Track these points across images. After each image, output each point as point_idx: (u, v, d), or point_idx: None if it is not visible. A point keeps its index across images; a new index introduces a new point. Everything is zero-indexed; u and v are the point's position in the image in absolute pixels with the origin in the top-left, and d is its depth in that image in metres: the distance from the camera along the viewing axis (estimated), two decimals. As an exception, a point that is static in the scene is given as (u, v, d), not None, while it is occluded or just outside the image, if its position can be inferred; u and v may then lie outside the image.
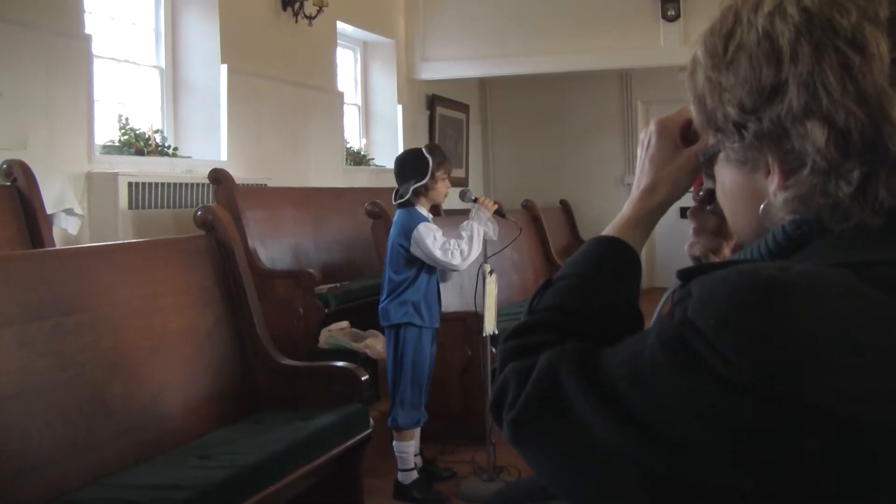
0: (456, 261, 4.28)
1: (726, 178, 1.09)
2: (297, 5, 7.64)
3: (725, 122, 1.02)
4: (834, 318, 0.82)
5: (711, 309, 0.84)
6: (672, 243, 11.78)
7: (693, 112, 1.12)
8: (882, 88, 0.90)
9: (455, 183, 4.54)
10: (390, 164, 9.22)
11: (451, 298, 4.60)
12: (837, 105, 0.91)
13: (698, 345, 0.83)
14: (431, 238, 4.24)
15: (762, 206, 1.02)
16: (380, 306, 4.45)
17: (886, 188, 0.92)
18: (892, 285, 0.85)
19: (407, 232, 4.30)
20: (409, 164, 4.40)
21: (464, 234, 4.34)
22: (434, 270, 4.39)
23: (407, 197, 4.36)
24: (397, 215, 4.43)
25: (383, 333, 4.64)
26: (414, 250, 4.29)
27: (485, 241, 4.43)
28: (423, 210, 4.39)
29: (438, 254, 4.24)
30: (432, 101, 10.44)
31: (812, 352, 0.80)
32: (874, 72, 0.90)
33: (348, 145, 9.10)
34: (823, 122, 0.92)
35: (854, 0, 0.92)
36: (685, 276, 0.93)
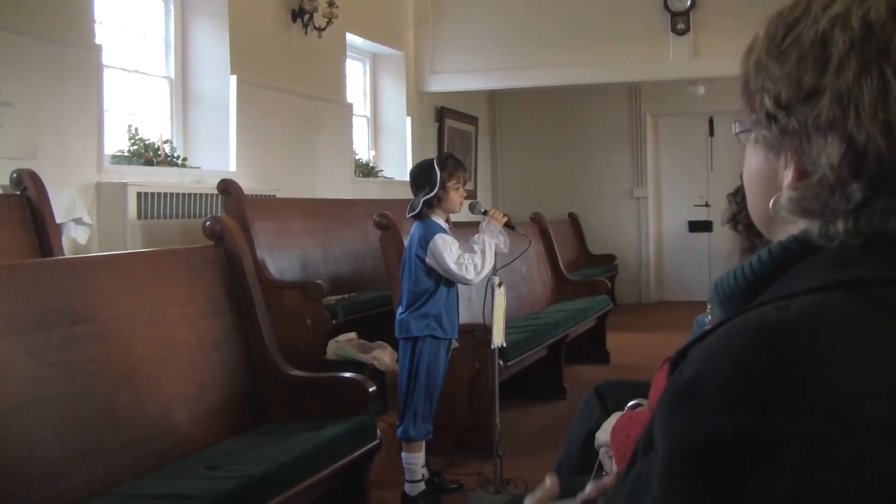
0: (470, 275, 4.27)
1: (752, 160, 1.10)
2: (306, 17, 7.66)
3: (761, 108, 1.02)
4: (843, 352, 0.83)
5: (726, 363, 0.84)
6: (680, 257, 11.74)
7: (739, 85, 1.13)
8: None
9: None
10: (399, 176, 9.31)
11: (460, 311, 4.60)
12: (862, 128, 0.91)
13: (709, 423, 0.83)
14: (448, 250, 4.24)
15: (772, 200, 1.03)
16: (397, 318, 4.43)
17: (881, 215, 0.93)
18: (884, 303, 0.87)
19: (423, 243, 4.30)
20: (420, 176, 4.40)
21: (476, 248, 4.33)
22: (453, 282, 4.39)
23: (418, 209, 4.35)
24: (413, 227, 4.42)
25: (394, 345, 4.63)
26: (429, 260, 4.28)
27: (508, 242, 4.43)
28: (439, 220, 4.39)
29: (453, 267, 4.24)
30: (441, 114, 10.46)
31: (826, 388, 0.81)
32: None
33: (357, 157, 9.11)
34: (843, 140, 0.92)
35: None
36: (678, 357, 0.94)
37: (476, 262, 4.28)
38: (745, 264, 1.03)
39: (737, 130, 1.16)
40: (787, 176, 1.00)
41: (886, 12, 0.93)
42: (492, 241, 4.35)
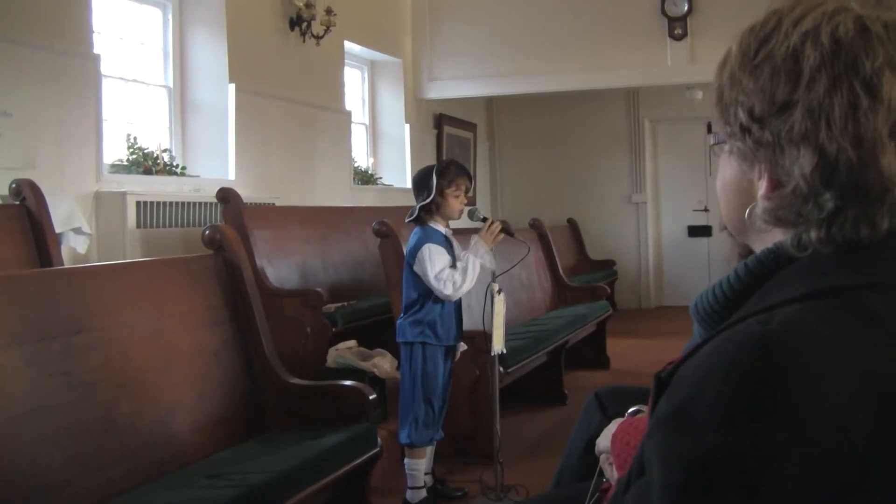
0: (447, 290, 4.28)
1: (727, 170, 1.13)
2: (304, 25, 7.67)
3: (735, 120, 1.05)
4: (828, 359, 0.85)
5: (717, 379, 0.86)
6: (679, 262, 11.74)
7: (714, 98, 1.15)
8: (880, 135, 0.94)
9: (463, 202, 4.55)
10: (398, 184, 9.32)
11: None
12: (833, 140, 0.94)
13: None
14: (430, 263, 4.26)
15: (748, 210, 1.06)
16: (397, 322, 4.46)
17: (852, 224, 0.96)
18: (861, 308, 0.89)
19: (414, 251, 4.32)
20: (420, 183, 4.42)
21: (459, 265, 4.35)
22: None
23: (415, 215, 4.37)
24: (413, 233, 4.44)
25: (394, 352, 4.64)
26: (416, 267, 4.31)
27: (493, 262, 4.44)
28: (438, 227, 4.40)
29: (433, 280, 4.26)
30: (440, 120, 10.46)
31: (816, 396, 0.83)
32: (878, 118, 0.94)
33: (356, 164, 9.12)
34: (815, 152, 0.95)
35: (885, 46, 0.95)
36: (667, 377, 0.95)
37: (456, 279, 4.29)
38: (723, 280, 1.06)
39: (711, 142, 1.19)
40: (762, 186, 1.03)
41: (854, 28, 0.96)
42: (476, 260, 4.36)
